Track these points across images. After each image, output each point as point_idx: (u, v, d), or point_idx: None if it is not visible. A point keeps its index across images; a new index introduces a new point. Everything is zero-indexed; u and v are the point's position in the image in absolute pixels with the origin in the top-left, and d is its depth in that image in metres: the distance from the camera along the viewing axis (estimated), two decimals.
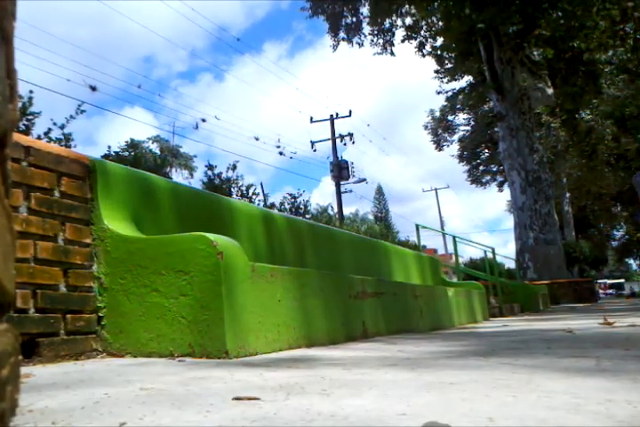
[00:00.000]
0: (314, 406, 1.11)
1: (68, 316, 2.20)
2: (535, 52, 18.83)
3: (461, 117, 31.57)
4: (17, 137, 2.16)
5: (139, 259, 2.33)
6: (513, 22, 16.34)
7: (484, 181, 33.90)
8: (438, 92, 27.13)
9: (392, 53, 22.59)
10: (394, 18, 21.32)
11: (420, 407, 1.08)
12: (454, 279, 9.97)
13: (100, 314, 2.34)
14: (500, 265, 17.61)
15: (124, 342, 2.29)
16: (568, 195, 31.99)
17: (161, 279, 2.27)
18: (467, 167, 33.01)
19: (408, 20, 21.40)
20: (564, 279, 16.79)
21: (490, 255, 10.82)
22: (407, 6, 20.00)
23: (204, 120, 25.42)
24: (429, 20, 20.96)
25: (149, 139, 31.02)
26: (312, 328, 2.85)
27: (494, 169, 32.40)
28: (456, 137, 31.76)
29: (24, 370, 1.63)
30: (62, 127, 7.48)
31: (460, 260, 10.93)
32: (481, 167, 33.26)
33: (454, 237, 9.68)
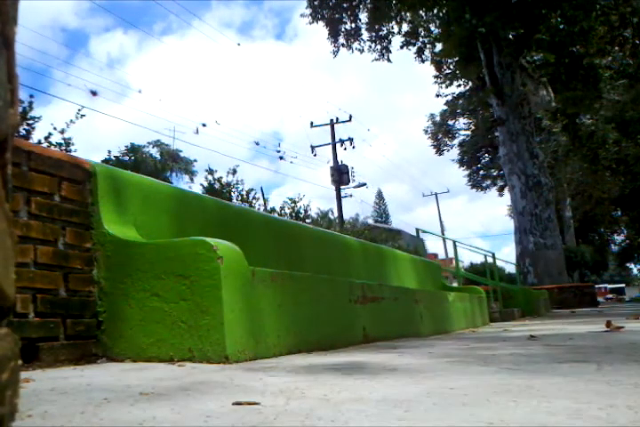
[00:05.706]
0: (314, 411, 1.11)
1: (68, 320, 2.20)
2: (535, 57, 18.84)
3: (462, 122, 31.60)
4: (18, 142, 2.16)
5: (139, 263, 2.32)
6: (514, 27, 16.34)
7: (484, 185, 33.88)
8: (437, 95, 27.32)
9: (389, 60, 22.69)
10: (391, 24, 21.40)
11: (420, 413, 1.08)
12: (455, 284, 9.96)
13: (100, 319, 2.34)
14: (501, 270, 17.59)
15: (123, 347, 2.28)
16: (569, 200, 31.97)
17: (161, 284, 2.27)
18: (467, 172, 33.02)
19: (406, 27, 21.49)
20: (564, 284, 16.76)
21: (490, 260, 10.81)
22: (404, 13, 20.03)
23: (204, 125, 25.48)
24: (427, 26, 21.04)
25: (149, 143, 31.06)
26: (312, 333, 2.84)
27: (494, 173, 32.39)
28: (456, 141, 31.78)
29: (24, 375, 1.63)
30: (62, 132, 7.48)
31: (461, 264, 10.92)
32: (481, 172, 33.26)
33: (454, 242, 9.68)
